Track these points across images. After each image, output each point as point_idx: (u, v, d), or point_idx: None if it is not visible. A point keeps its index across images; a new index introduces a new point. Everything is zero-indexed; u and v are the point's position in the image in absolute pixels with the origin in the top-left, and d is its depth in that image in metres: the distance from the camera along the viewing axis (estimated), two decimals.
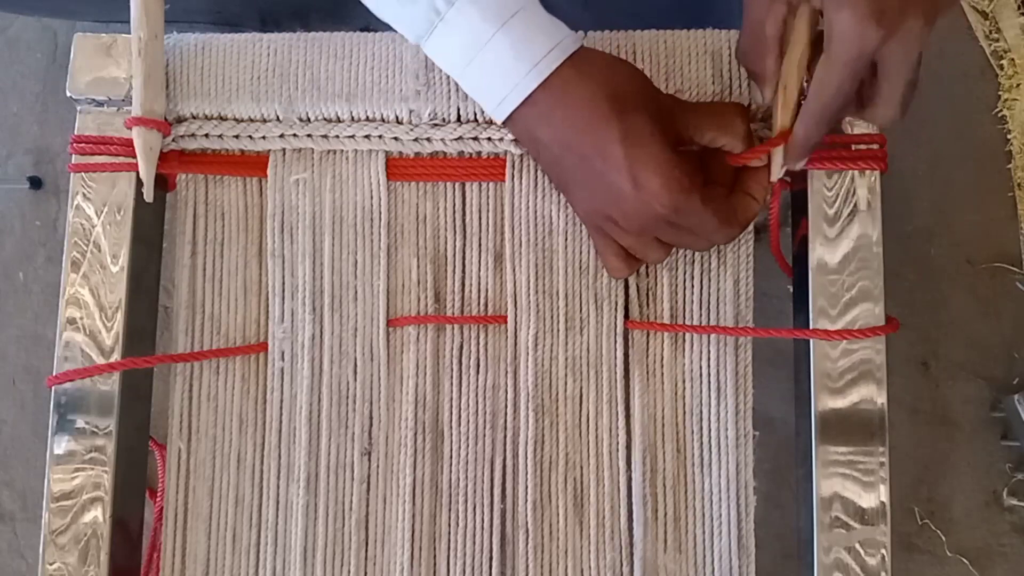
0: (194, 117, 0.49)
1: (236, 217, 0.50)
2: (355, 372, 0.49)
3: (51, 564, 0.46)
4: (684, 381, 0.48)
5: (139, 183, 0.48)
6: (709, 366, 0.48)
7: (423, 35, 0.43)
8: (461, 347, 0.49)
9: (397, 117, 0.49)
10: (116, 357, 0.47)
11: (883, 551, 0.45)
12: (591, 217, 0.46)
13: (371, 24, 0.76)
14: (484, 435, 0.49)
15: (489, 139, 0.48)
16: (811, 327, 0.46)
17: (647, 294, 0.49)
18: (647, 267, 0.49)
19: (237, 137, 0.49)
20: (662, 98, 0.44)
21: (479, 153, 0.49)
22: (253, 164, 0.50)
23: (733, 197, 0.45)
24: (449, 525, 0.49)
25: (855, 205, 0.47)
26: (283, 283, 0.49)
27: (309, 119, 0.49)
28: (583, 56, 0.43)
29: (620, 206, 0.43)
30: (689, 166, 0.42)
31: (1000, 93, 1.01)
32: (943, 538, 0.95)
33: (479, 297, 0.49)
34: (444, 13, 0.42)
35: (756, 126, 0.47)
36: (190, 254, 0.50)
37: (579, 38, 0.43)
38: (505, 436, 0.49)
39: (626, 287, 0.49)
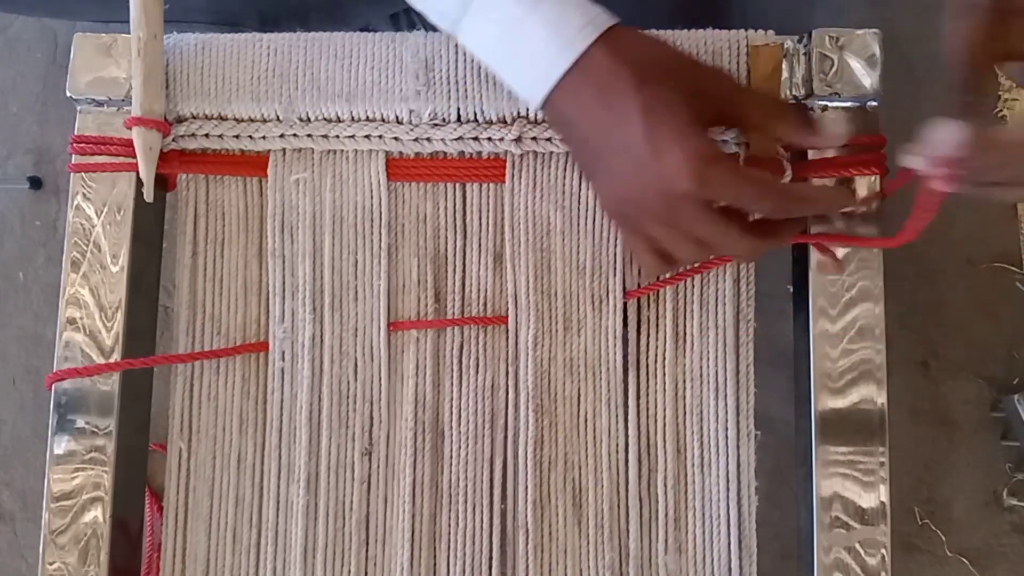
0: (194, 117, 0.49)
1: (236, 217, 0.50)
2: (355, 372, 0.49)
3: (51, 564, 0.46)
4: (685, 381, 0.48)
5: (139, 183, 0.48)
6: (709, 366, 0.48)
7: (457, 19, 0.43)
8: (461, 347, 0.49)
9: (397, 117, 0.49)
10: (116, 357, 0.47)
11: (883, 551, 0.45)
12: (618, 206, 0.44)
13: (371, 24, 0.76)
14: (484, 435, 0.49)
15: (489, 139, 0.48)
16: (811, 327, 0.46)
17: (648, 294, 0.49)
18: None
19: (237, 137, 0.49)
20: (703, 74, 0.42)
21: (479, 153, 0.49)
22: (253, 164, 0.50)
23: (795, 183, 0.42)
24: (449, 525, 0.49)
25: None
26: (283, 283, 0.49)
27: (309, 119, 0.49)
28: (616, 33, 0.42)
29: (643, 186, 0.41)
30: (717, 145, 0.40)
31: (1000, 93, 1.01)
32: (943, 538, 0.95)
33: (479, 297, 0.49)
34: None
35: None
36: (191, 254, 0.50)
37: (612, 15, 0.42)
38: (505, 436, 0.49)
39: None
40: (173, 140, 0.49)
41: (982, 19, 0.38)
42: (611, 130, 0.41)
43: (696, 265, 0.48)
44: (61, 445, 0.47)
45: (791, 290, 0.50)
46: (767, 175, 0.41)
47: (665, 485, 0.48)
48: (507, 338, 0.49)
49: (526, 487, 0.48)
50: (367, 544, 0.49)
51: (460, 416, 0.49)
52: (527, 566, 0.48)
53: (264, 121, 0.49)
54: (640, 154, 0.40)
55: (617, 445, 0.48)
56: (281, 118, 0.49)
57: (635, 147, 0.40)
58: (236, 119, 0.49)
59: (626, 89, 0.40)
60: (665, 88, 0.40)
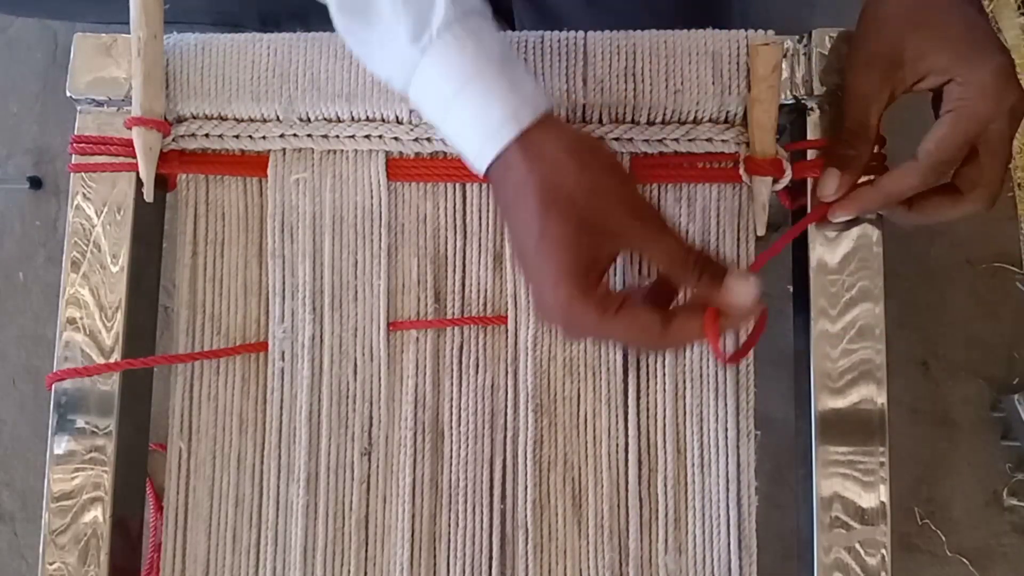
0: (194, 117, 0.49)
1: (236, 217, 0.50)
2: (355, 372, 0.49)
3: (51, 564, 0.46)
4: (685, 381, 0.48)
5: (139, 183, 0.48)
6: (709, 366, 0.48)
7: (404, 89, 0.42)
8: (461, 347, 0.49)
9: (397, 117, 0.49)
10: (116, 357, 0.47)
11: (883, 551, 0.45)
12: None
13: None
14: (484, 435, 0.49)
15: None
16: (811, 327, 0.46)
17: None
18: (649, 267, 0.49)
19: (237, 137, 0.49)
20: (614, 207, 0.39)
21: None
22: (253, 164, 0.50)
23: (678, 314, 0.39)
24: (449, 525, 0.49)
25: None
26: (283, 283, 0.49)
27: (309, 119, 0.49)
28: (539, 132, 0.39)
29: (535, 298, 0.41)
30: (600, 284, 0.39)
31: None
32: (943, 538, 0.95)
33: (479, 297, 0.49)
34: (417, 63, 0.40)
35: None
36: (191, 254, 0.50)
37: (539, 106, 0.39)
38: (505, 436, 0.49)
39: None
40: (173, 140, 0.49)
41: (880, 73, 0.43)
42: (514, 237, 0.42)
43: None
44: (61, 445, 0.47)
45: (791, 290, 0.50)
46: (638, 320, 0.39)
47: (665, 485, 0.48)
48: (507, 338, 0.49)
49: (526, 487, 0.48)
50: (367, 544, 0.49)
51: (460, 416, 0.49)
52: (527, 566, 0.48)
53: (264, 121, 0.49)
54: (530, 273, 0.40)
55: (617, 445, 0.48)
56: (281, 118, 0.49)
57: (528, 265, 0.40)
58: (236, 119, 0.49)
59: (529, 210, 0.39)
60: (562, 221, 0.38)
